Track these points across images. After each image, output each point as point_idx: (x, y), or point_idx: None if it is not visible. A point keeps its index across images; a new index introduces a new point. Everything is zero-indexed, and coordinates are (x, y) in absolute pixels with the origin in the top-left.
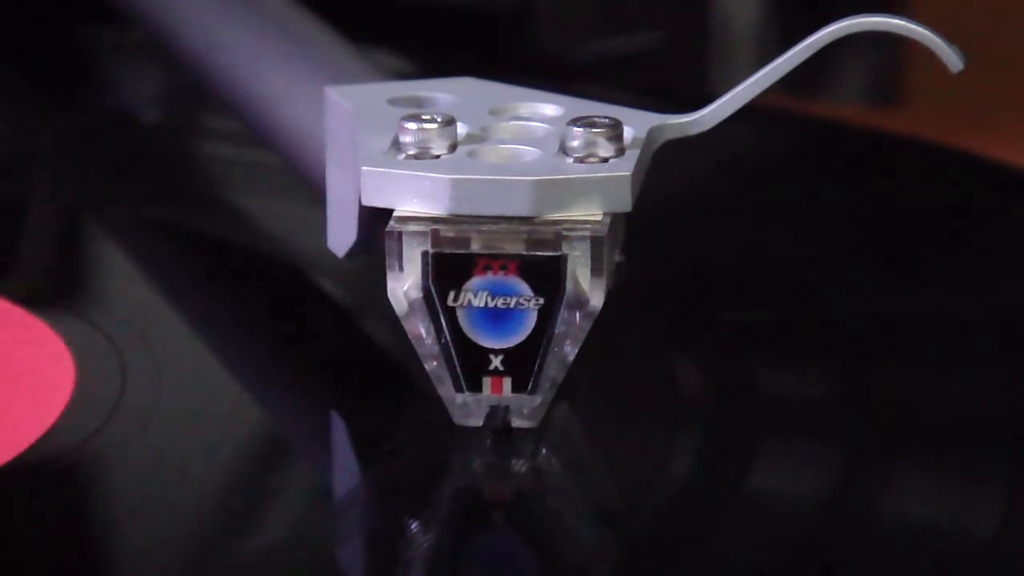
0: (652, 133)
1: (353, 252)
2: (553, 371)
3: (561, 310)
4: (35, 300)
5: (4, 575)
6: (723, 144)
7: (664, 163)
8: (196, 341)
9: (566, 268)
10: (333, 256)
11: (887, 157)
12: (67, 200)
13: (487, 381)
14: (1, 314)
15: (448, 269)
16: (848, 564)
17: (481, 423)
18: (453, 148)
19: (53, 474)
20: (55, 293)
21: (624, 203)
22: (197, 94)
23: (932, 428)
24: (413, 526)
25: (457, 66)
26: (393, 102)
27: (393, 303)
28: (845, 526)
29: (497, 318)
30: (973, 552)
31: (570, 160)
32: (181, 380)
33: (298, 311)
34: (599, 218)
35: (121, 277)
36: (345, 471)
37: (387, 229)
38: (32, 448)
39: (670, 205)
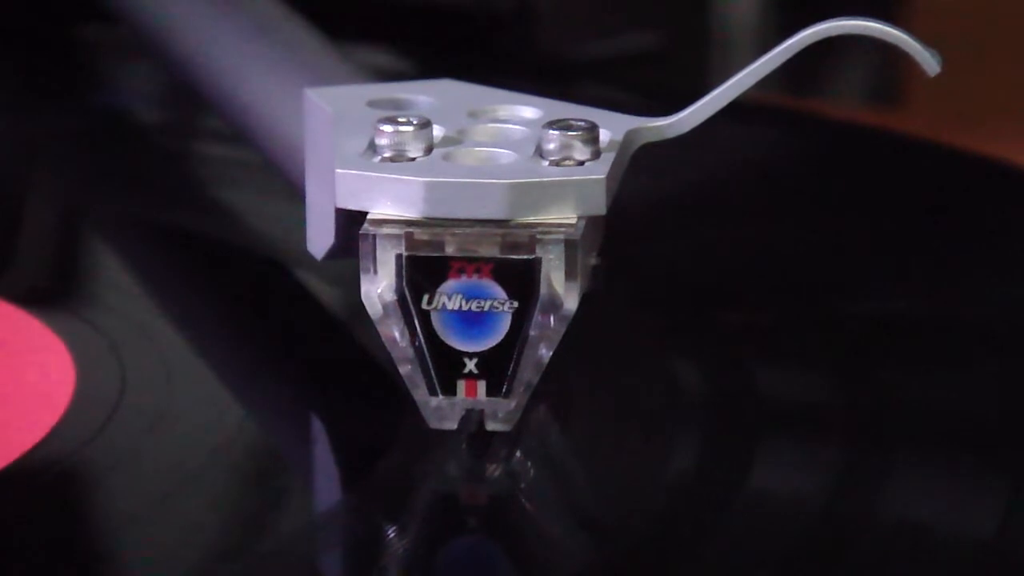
0: (629, 136)
1: (332, 255)
2: (528, 374)
3: (535, 313)
4: (35, 300)
5: None
6: (722, 144)
7: (663, 163)
8: (196, 341)
9: (540, 271)
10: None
11: (887, 157)
12: (66, 200)
13: (461, 385)
14: (1, 314)
15: (422, 272)
16: (847, 566)
17: (456, 427)
18: (429, 151)
19: (53, 476)
20: (55, 293)
21: (599, 206)
22: (198, 94)
23: (932, 428)
24: (389, 531)
25: (455, 66)
26: (372, 104)
27: (367, 306)
28: (842, 529)
29: (471, 321)
30: (973, 552)
31: (545, 163)
32: (181, 380)
33: (299, 311)
34: (573, 221)
35: (121, 277)
36: (324, 476)
37: (361, 232)
38: (32, 451)
39: (668, 204)
